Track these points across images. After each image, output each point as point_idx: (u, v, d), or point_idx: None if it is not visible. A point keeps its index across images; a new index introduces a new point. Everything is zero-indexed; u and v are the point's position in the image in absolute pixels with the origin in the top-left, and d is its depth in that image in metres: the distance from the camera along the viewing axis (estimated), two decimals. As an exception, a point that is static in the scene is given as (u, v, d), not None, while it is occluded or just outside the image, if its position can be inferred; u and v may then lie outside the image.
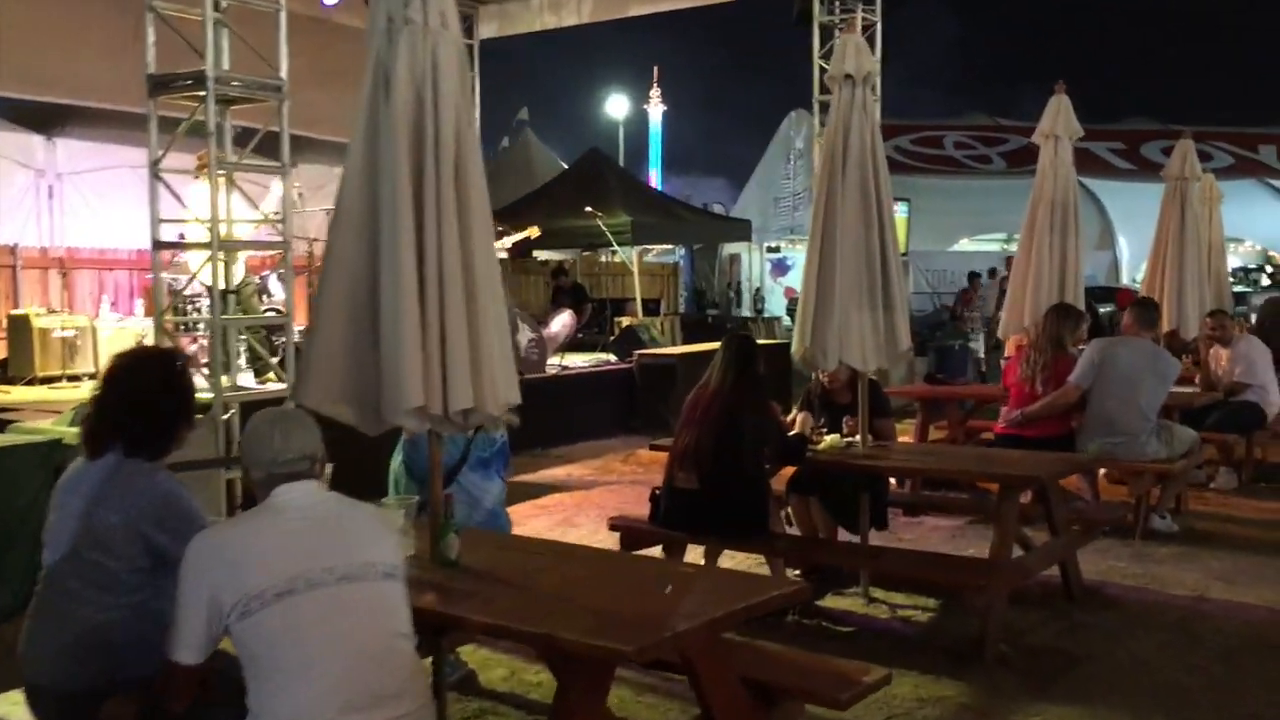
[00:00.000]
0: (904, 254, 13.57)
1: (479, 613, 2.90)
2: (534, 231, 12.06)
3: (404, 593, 2.59)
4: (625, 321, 13.88)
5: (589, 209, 13.36)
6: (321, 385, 3.04)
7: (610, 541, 5.62)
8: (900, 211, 13.48)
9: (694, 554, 5.74)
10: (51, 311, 10.33)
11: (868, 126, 5.39)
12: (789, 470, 5.75)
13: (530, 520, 7.50)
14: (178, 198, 6.51)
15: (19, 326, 9.89)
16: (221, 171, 6.42)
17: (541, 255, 19.79)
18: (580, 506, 7.94)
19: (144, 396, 2.90)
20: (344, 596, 2.46)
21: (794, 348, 5.39)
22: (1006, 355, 7.97)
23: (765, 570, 5.58)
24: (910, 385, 10.15)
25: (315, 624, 2.42)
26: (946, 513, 6.15)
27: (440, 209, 3.03)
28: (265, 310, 11.22)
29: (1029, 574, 4.97)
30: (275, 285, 11.68)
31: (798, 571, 5.58)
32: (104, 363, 10.59)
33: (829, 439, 5.58)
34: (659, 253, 27.33)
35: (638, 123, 47.71)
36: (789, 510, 5.92)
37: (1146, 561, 6.16)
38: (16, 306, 10.55)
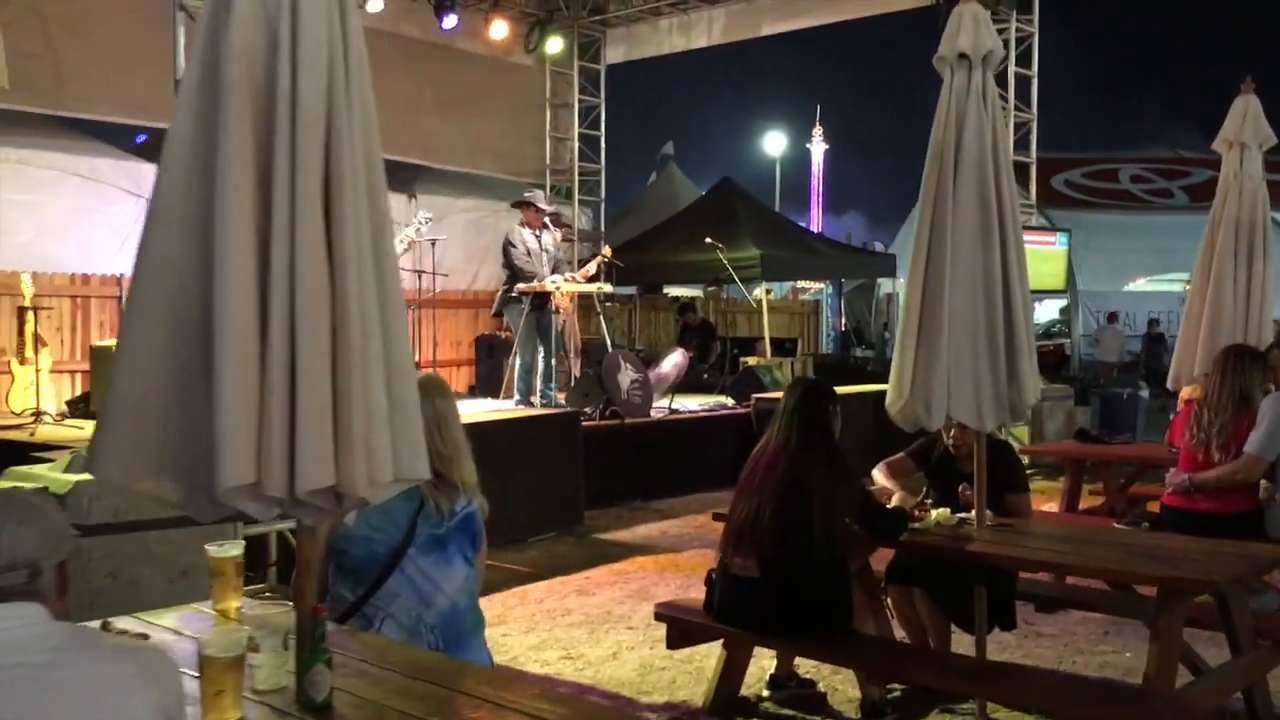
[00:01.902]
0: (1061, 290, 12.14)
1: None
2: (605, 252, 11.11)
3: None
4: (750, 361, 12.80)
5: (708, 240, 12.38)
6: (129, 450, 2.13)
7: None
8: (1058, 244, 12.06)
9: (762, 655, 4.66)
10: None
11: (989, 121, 4.25)
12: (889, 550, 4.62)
13: (601, 590, 6.52)
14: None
15: (101, 358, 9.48)
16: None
17: (672, 291, 18.96)
18: (664, 574, 6.91)
19: None
20: None
21: (889, 399, 4.27)
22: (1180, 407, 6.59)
23: (847, 679, 4.47)
24: (1062, 442, 8.80)
25: None
26: (1093, 609, 4.88)
27: (297, 205, 2.10)
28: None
29: (1198, 709, 3.70)
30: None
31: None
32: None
33: (936, 514, 4.42)
34: (815, 291, 26.17)
35: (797, 161, 46.72)
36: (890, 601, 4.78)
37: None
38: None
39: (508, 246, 9.95)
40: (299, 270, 2.08)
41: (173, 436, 2.14)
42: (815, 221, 43.65)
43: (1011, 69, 11.78)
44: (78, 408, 9.54)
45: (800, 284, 26.27)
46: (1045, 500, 8.86)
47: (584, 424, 9.03)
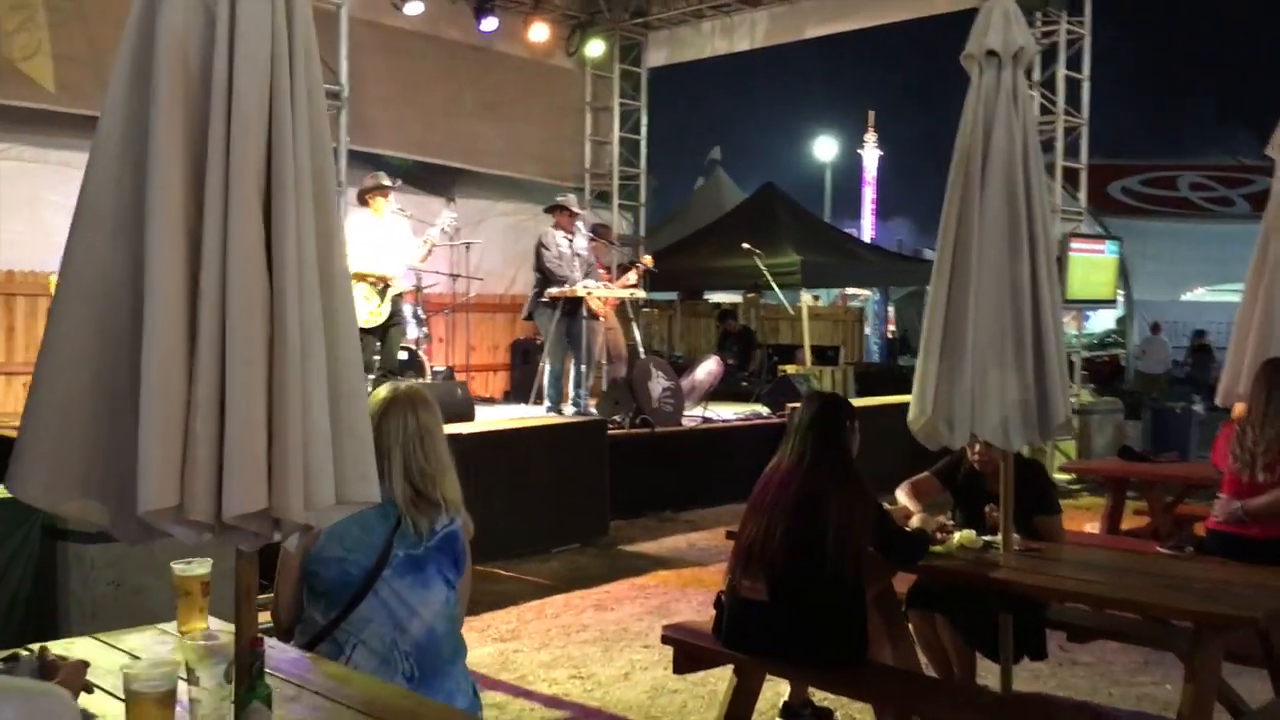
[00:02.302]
0: (1110, 300, 11.79)
1: None
2: (646, 261, 10.93)
3: None
4: (790, 370, 12.56)
5: (746, 245, 12.16)
6: (53, 468, 1.98)
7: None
8: (1108, 252, 11.68)
9: (778, 680, 4.44)
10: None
11: (1019, 122, 4.01)
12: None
13: (620, 605, 6.33)
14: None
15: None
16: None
17: (713, 297, 18.75)
18: (686, 589, 6.71)
19: None
20: None
21: (911, 415, 4.04)
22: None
23: (866, 709, 4.24)
24: (1105, 459, 8.47)
25: None
26: (1126, 640, 4.61)
27: (231, 208, 1.94)
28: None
29: (1237, 754, 3.44)
30: (413, 322, 11.03)
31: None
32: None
33: (959, 536, 4.18)
34: (864, 298, 25.80)
35: (849, 166, 46.27)
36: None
37: None
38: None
39: (540, 248, 9.81)
40: (232, 279, 1.92)
41: (98, 453, 1.99)
42: (867, 229, 43.16)
43: (1061, 72, 11.44)
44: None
45: (850, 290, 25.95)
46: (1089, 518, 8.54)
47: (614, 433, 8.86)
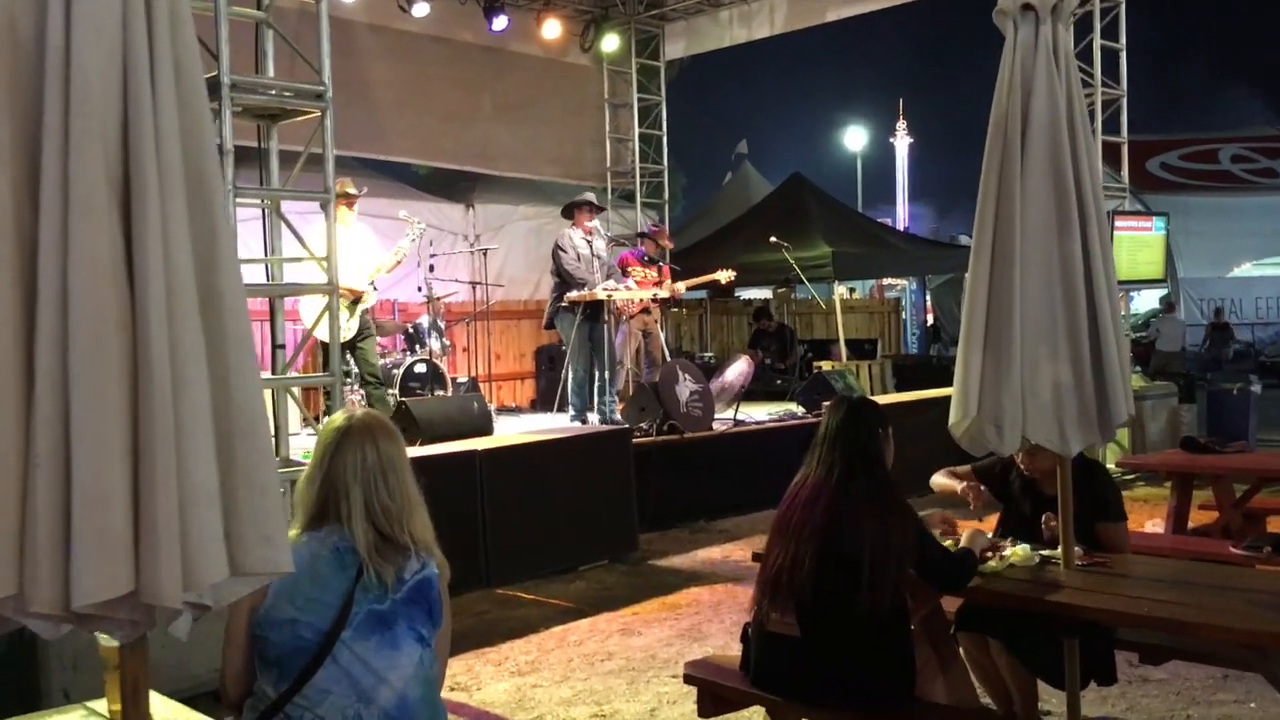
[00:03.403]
0: (1160, 279, 11.22)
1: None
2: (725, 276, 10.49)
3: None
4: (825, 366, 12.07)
5: (773, 239, 11.70)
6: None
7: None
8: (1155, 229, 11.11)
9: None
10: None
11: (1061, 82, 3.55)
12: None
13: (648, 629, 5.90)
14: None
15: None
16: (239, 203, 5.19)
17: (745, 294, 18.27)
18: (720, 608, 6.27)
19: None
20: None
21: (952, 418, 3.59)
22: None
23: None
24: (1166, 452, 7.93)
25: None
26: (1209, 662, 4.11)
27: (72, 209, 1.53)
28: (415, 362, 10.22)
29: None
30: (433, 334, 10.67)
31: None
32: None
33: (1014, 551, 3.72)
34: (900, 288, 25.20)
35: (880, 158, 45.61)
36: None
37: None
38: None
39: (557, 251, 9.40)
40: (75, 297, 1.52)
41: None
42: (901, 218, 42.45)
43: (1097, 42, 10.86)
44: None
45: (887, 281, 25.37)
46: (1150, 512, 8.01)
47: (640, 441, 8.43)
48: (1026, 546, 3.76)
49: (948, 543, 3.70)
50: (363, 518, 2.63)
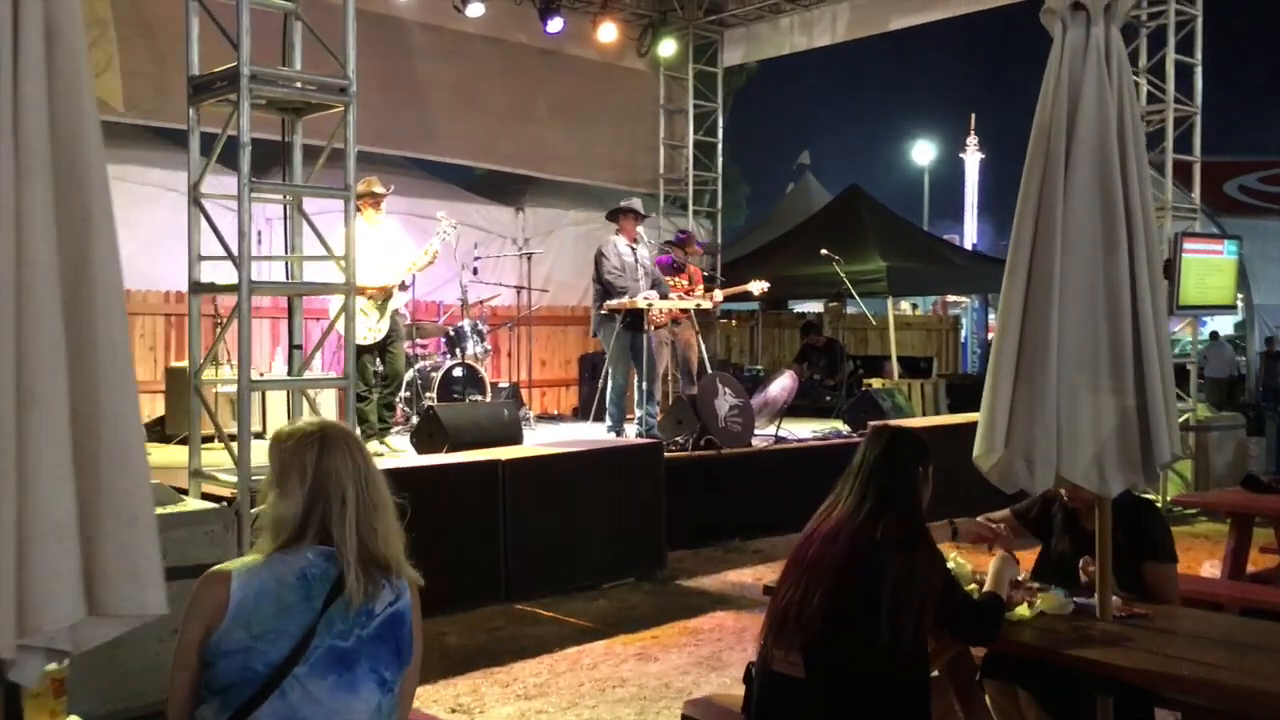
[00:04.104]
0: (1230, 305, 10.73)
1: None
2: (759, 286, 10.24)
3: None
4: (875, 384, 11.73)
5: (824, 251, 11.39)
6: None
7: None
8: (1227, 253, 10.60)
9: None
10: (216, 363, 9.49)
11: (1113, 88, 3.25)
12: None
13: (666, 654, 5.65)
14: (215, 228, 5.21)
15: (177, 379, 9.10)
16: (255, 198, 5.03)
17: (799, 307, 17.93)
18: (744, 635, 5.99)
19: None
20: None
21: (977, 450, 3.30)
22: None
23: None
24: (1226, 490, 7.50)
25: None
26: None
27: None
28: (453, 365, 10.06)
29: None
30: (473, 337, 10.50)
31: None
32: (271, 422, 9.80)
33: (1042, 599, 3.42)
34: (964, 306, 24.66)
35: (948, 172, 44.97)
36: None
37: None
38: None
39: (599, 258, 9.18)
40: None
41: None
42: (970, 234, 41.73)
43: (1170, 57, 10.42)
44: (154, 431, 9.18)
45: (951, 298, 24.85)
46: (1210, 550, 7.60)
47: (676, 455, 8.19)
48: (1060, 592, 3.45)
49: (970, 587, 3.41)
50: (355, 528, 2.42)
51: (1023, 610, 3.36)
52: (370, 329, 7.96)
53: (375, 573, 2.43)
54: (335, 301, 8.07)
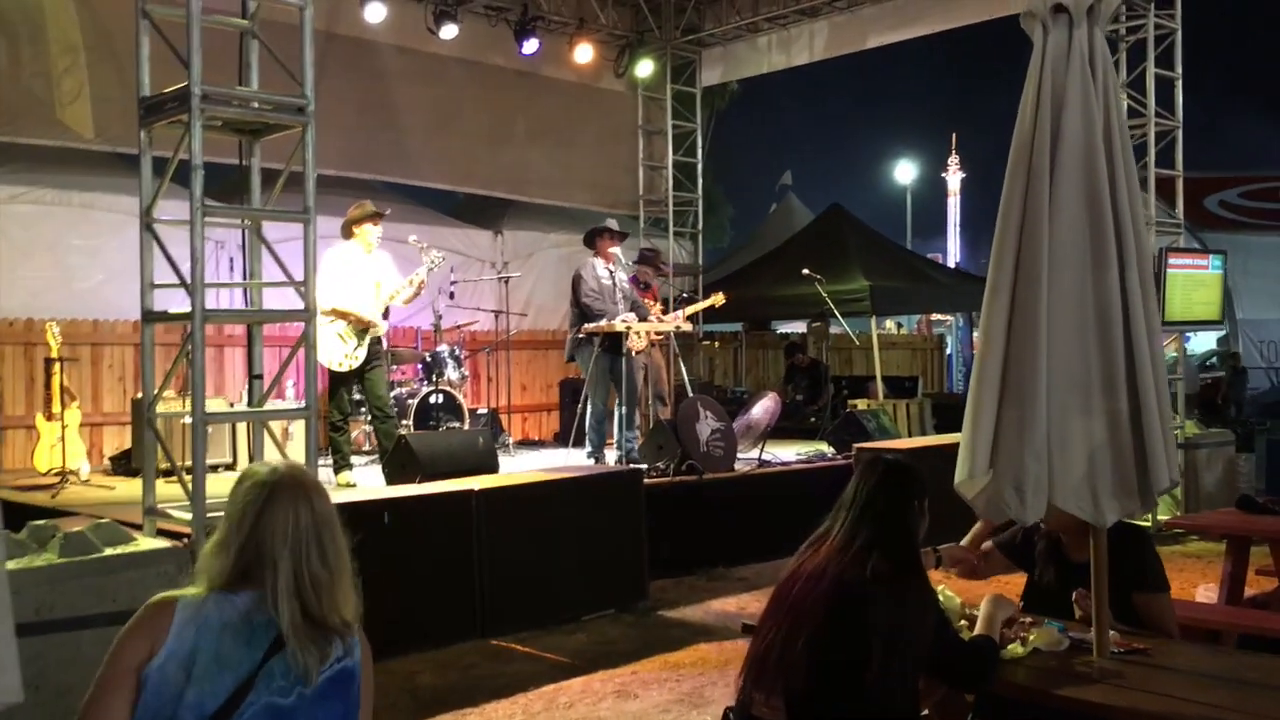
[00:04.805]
0: (1216, 320, 10.62)
1: None
2: (717, 299, 10.11)
3: None
4: (860, 404, 11.56)
5: (805, 271, 11.25)
6: None
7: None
8: (1212, 268, 10.51)
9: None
10: (181, 393, 9.27)
11: (1098, 93, 3.09)
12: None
13: (646, 691, 5.45)
14: (168, 255, 4.99)
15: (140, 411, 8.85)
16: (205, 223, 4.83)
17: (781, 328, 17.79)
18: (726, 668, 5.78)
19: None
20: None
21: (959, 476, 3.12)
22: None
23: None
24: (1220, 511, 7.35)
25: None
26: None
27: None
28: (430, 392, 9.87)
29: None
30: (450, 363, 10.31)
31: None
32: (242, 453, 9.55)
33: (1039, 634, 3.23)
34: (949, 324, 24.57)
35: (930, 191, 45.03)
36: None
37: None
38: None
39: (577, 281, 9.02)
40: None
41: None
42: (954, 253, 41.76)
43: (1150, 70, 10.33)
44: (120, 464, 8.95)
45: (936, 316, 24.76)
46: (1203, 572, 7.44)
47: (656, 481, 7.99)
48: (1055, 627, 3.27)
49: (960, 624, 3.22)
50: (290, 593, 2.23)
51: (1015, 648, 3.17)
52: (347, 355, 7.72)
53: (318, 637, 2.24)
54: (321, 327, 7.85)
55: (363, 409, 9.08)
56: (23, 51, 9.79)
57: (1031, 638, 3.20)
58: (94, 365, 10.20)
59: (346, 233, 7.91)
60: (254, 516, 2.27)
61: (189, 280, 4.77)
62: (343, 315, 7.64)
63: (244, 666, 2.17)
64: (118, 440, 9.92)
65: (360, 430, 10.05)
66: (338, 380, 7.91)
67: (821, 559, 3.10)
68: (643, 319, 9.07)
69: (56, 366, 8.02)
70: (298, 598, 2.22)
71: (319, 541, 2.29)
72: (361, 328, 7.72)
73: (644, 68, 13.23)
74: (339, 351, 7.68)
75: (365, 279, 7.77)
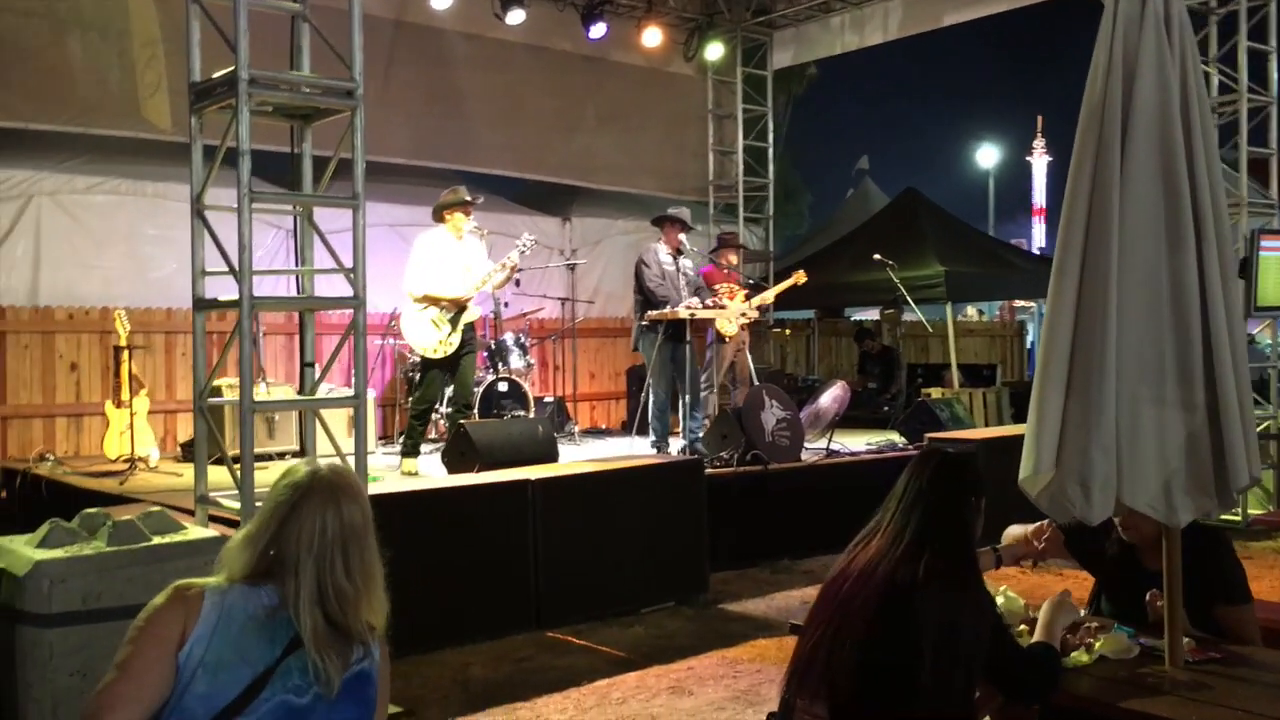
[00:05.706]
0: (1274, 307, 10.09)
1: None
2: (799, 278, 9.88)
3: None
4: (933, 393, 11.26)
5: (877, 257, 10.97)
6: None
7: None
8: (1302, 248, 10.00)
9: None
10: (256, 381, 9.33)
11: (1174, 61, 2.86)
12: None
13: (702, 687, 5.30)
14: (218, 242, 4.95)
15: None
16: (253, 209, 4.78)
17: (855, 314, 17.47)
18: (786, 664, 5.57)
19: None
20: None
21: (1023, 472, 2.92)
22: None
23: None
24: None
25: None
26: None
27: None
28: (497, 380, 9.83)
29: None
30: (516, 351, 10.26)
31: None
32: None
33: (1104, 640, 3.02)
34: (1033, 311, 23.96)
35: (1014, 175, 44.15)
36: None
37: None
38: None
39: (640, 267, 8.88)
40: None
41: None
42: (1038, 238, 40.90)
43: (1243, 44, 9.86)
44: (190, 451, 9.02)
45: (1019, 303, 24.19)
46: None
47: (721, 471, 7.84)
48: (1124, 634, 3.05)
49: (1021, 628, 3.02)
50: (313, 602, 2.17)
51: (1080, 655, 2.96)
52: (441, 341, 7.75)
53: (341, 645, 2.17)
54: (407, 317, 7.87)
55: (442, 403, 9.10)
56: (102, 46, 9.90)
57: (1098, 644, 2.99)
58: (167, 353, 10.32)
59: (438, 216, 7.98)
60: (281, 519, 2.24)
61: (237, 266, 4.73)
62: (434, 301, 7.68)
63: (262, 662, 2.13)
64: (186, 429, 10.03)
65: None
66: (430, 366, 7.94)
67: (871, 556, 2.92)
68: (705, 306, 8.91)
69: (125, 354, 8.11)
70: (320, 607, 2.18)
71: (344, 552, 2.23)
72: (453, 313, 7.74)
73: (713, 51, 13.03)
74: (433, 338, 7.72)
75: (454, 264, 7.83)
